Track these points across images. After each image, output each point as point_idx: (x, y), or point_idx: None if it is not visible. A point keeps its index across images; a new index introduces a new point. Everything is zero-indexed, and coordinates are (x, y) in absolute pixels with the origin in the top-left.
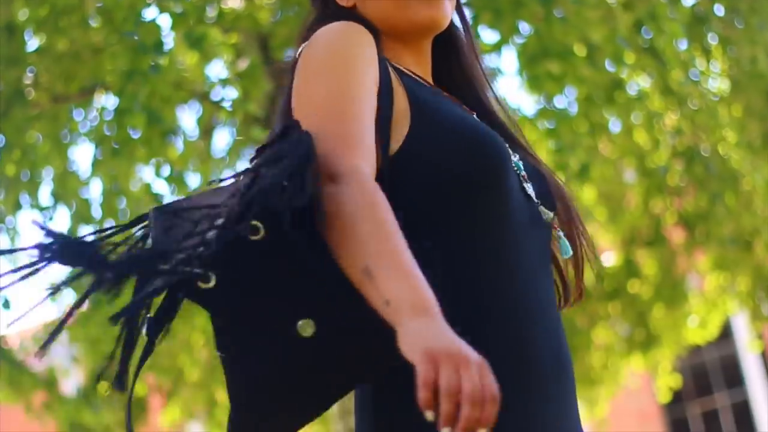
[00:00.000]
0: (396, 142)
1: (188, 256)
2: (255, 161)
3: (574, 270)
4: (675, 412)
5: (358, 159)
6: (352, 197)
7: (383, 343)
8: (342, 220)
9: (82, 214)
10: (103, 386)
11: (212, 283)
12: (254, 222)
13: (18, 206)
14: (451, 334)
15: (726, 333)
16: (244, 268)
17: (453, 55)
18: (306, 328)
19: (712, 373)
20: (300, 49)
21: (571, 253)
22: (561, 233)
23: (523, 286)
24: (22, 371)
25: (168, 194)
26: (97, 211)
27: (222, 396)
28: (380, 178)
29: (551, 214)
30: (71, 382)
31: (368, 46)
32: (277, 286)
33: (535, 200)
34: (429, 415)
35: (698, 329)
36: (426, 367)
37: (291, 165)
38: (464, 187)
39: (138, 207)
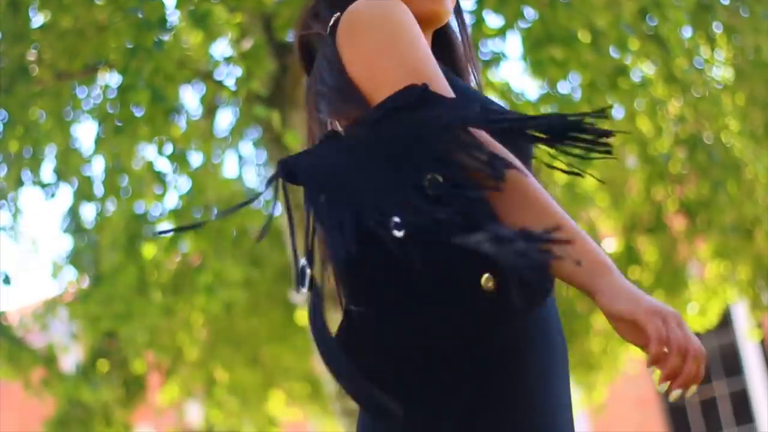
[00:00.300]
0: None
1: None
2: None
3: None
4: None
5: None
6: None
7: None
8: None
9: (83, 192)
10: (103, 364)
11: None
12: None
13: (20, 183)
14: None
15: (725, 322)
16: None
17: (447, 50)
18: (488, 282)
19: (711, 361)
20: (333, 22)
21: None
22: None
23: None
24: (22, 348)
25: (170, 173)
26: (99, 189)
27: (220, 375)
28: None
29: None
30: (70, 359)
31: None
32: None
33: None
34: (657, 371)
35: (698, 317)
36: (657, 324)
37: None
38: None
39: (140, 185)
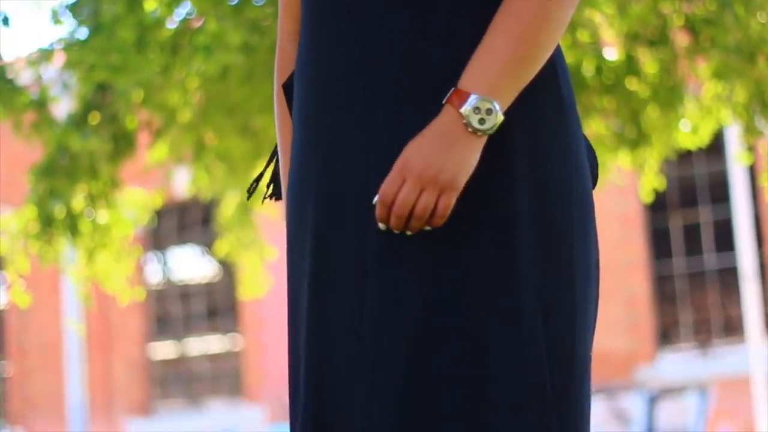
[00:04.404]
0: None
1: None
2: None
3: None
4: (657, 221)
5: None
6: None
7: None
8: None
9: None
10: (94, 116)
11: None
12: None
13: None
14: None
15: (717, 148)
16: None
17: None
18: None
19: (698, 187)
20: None
21: None
22: None
23: None
24: (14, 89)
25: None
26: None
27: (210, 140)
28: None
29: None
30: (62, 108)
31: None
32: None
33: None
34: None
35: (690, 135)
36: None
37: None
38: None
39: None
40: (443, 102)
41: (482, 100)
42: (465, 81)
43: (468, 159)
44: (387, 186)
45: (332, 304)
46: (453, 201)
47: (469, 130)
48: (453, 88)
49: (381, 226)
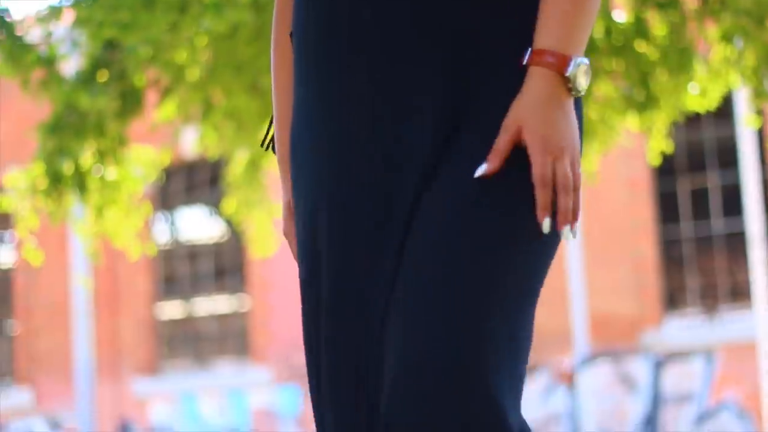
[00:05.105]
0: None
1: None
2: None
3: None
4: (665, 185)
5: None
6: None
7: None
8: None
9: None
10: (103, 74)
11: None
12: None
13: None
14: None
15: (726, 113)
16: None
17: None
18: None
19: (707, 152)
20: None
21: None
22: None
23: None
24: (23, 46)
25: None
26: None
27: (218, 99)
28: None
29: None
30: (70, 65)
31: None
32: None
33: None
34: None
35: (699, 98)
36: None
37: None
38: None
39: None
40: (528, 65)
41: (581, 61)
42: (552, 42)
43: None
44: (540, 169)
45: (352, 253)
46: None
47: (573, 93)
48: (542, 50)
49: (546, 225)
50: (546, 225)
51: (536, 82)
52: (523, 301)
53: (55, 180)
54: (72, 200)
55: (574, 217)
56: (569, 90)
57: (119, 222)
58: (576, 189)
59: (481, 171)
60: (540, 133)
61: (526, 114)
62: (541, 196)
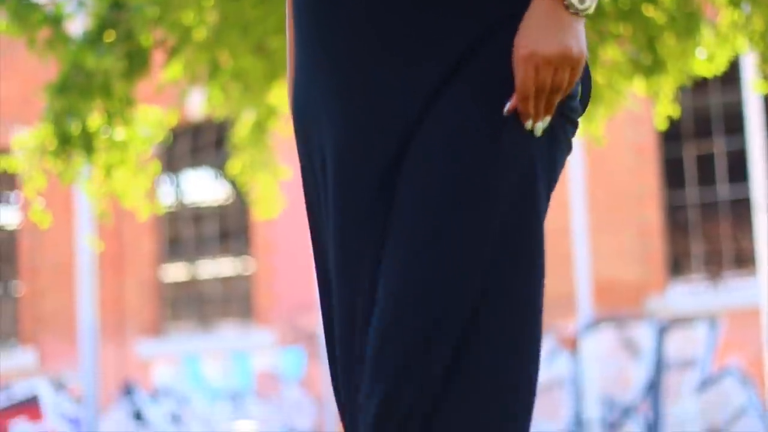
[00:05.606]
0: None
1: None
2: None
3: None
4: (671, 150)
5: None
6: None
7: None
8: None
9: None
10: (109, 34)
11: None
12: None
13: None
14: None
15: (732, 79)
16: None
17: None
18: None
19: (713, 117)
20: None
21: None
22: None
23: None
24: (29, 5)
25: None
26: None
27: (225, 61)
28: None
29: None
30: (77, 24)
31: None
32: None
33: None
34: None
35: (706, 62)
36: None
37: None
38: None
39: None
40: None
41: None
42: None
43: (582, 35)
44: (523, 81)
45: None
46: (579, 74)
47: (571, 11)
48: None
49: (528, 125)
50: (528, 125)
51: (533, 7)
52: (509, 255)
53: (64, 141)
54: (81, 161)
55: (548, 112)
56: (566, 8)
57: (128, 182)
58: (556, 91)
59: (508, 107)
60: (529, 48)
61: (519, 35)
62: (520, 107)
